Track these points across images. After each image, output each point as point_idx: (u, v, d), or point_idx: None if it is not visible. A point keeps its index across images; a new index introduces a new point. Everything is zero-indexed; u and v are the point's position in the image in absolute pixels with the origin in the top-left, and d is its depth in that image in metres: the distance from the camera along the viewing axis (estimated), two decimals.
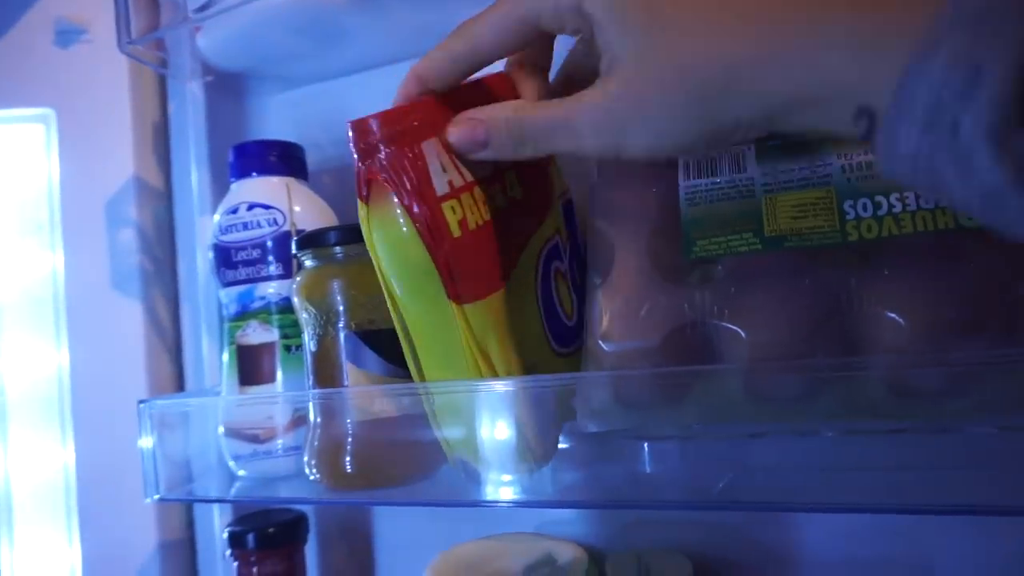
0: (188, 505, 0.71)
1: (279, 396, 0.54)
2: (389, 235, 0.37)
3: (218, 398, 0.59)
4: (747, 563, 0.53)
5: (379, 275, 0.38)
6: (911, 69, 0.22)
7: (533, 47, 0.37)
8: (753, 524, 0.53)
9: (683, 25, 0.28)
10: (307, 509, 0.64)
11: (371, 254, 0.38)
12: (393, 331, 0.40)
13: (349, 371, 0.46)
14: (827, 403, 0.33)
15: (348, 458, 0.46)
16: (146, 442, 0.50)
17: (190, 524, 0.71)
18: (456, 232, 0.35)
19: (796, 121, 0.27)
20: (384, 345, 0.45)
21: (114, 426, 0.65)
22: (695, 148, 0.29)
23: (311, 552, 0.67)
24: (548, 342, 0.41)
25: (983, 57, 0.21)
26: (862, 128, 0.25)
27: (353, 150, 0.36)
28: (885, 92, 0.23)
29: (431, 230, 0.35)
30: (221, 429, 0.55)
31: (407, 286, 0.38)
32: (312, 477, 0.47)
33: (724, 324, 0.35)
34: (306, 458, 0.48)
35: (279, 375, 0.54)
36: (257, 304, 0.55)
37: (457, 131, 0.35)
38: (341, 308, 0.47)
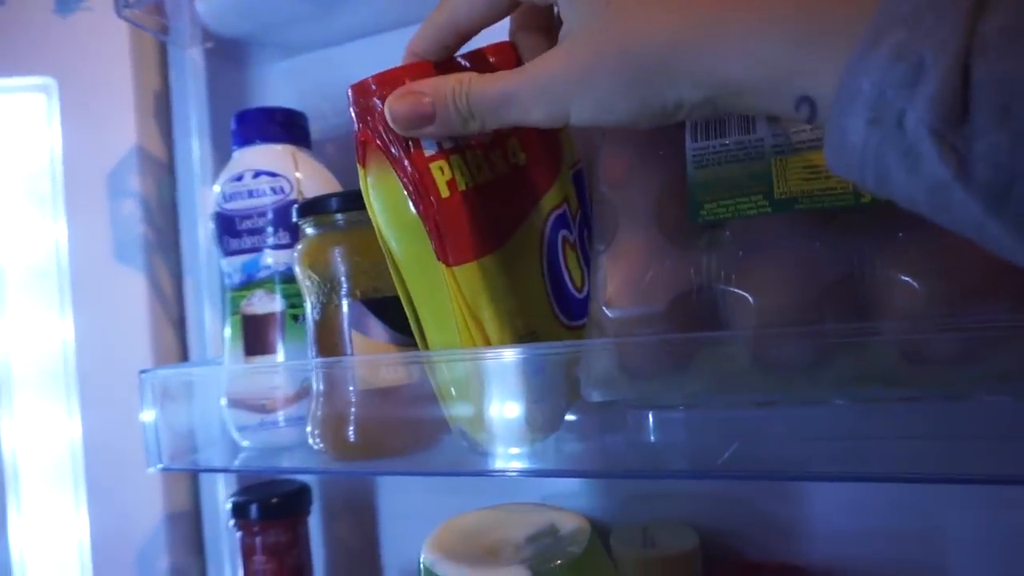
0: (194, 477, 0.71)
1: (282, 366, 0.54)
2: (386, 197, 0.36)
3: (220, 367, 0.58)
4: (754, 535, 0.52)
5: (380, 239, 0.38)
6: (853, 62, 0.22)
7: (534, 11, 0.36)
8: (760, 496, 0.52)
9: (628, 4, 0.28)
10: (311, 480, 0.64)
11: (372, 219, 0.38)
12: (399, 299, 0.39)
13: (355, 339, 0.46)
14: (837, 371, 0.32)
15: (351, 428, 0.46)
16: (148, 411, 0.50)
17: (196, 496, 0.72)
18: (444, 192, 0.35)
19: (739, 104, 0.27)
20: (390, 313, 0.45)
21: (119, 397, 0.65)
22: (639, 123, 0.29)
23: (315, 523, 0.67)
24: (554, 313, 0.41)
25: (923, 52, 0.21)
26: (804, 114, 0.25)
27: (352, 113, 0.36)
28: (825, 84, 0.23)
29: (418, 189, 0.35)
30: (224, 400, 0.55)
31: (405, 249, 0.37)
32: (316, 447, 0.47)
33: (731, 289, 0.34)
34: (309, 428, 0.48)
35: (284, 345, 0.54)
36: (263, 273, 0.54)
37: (401, 105, 0.34)
38: (344, 276, 0.46)
